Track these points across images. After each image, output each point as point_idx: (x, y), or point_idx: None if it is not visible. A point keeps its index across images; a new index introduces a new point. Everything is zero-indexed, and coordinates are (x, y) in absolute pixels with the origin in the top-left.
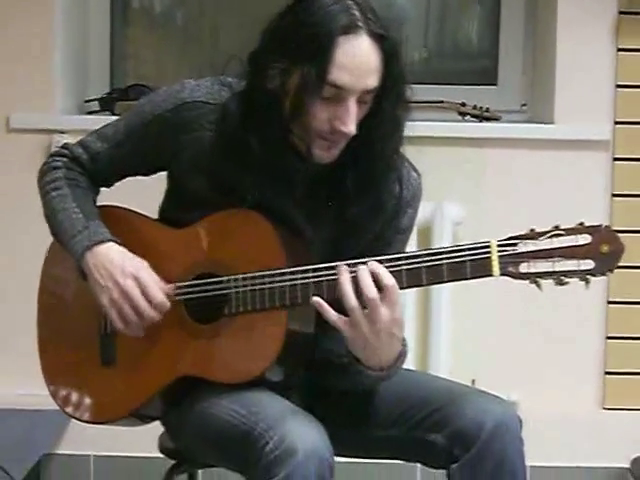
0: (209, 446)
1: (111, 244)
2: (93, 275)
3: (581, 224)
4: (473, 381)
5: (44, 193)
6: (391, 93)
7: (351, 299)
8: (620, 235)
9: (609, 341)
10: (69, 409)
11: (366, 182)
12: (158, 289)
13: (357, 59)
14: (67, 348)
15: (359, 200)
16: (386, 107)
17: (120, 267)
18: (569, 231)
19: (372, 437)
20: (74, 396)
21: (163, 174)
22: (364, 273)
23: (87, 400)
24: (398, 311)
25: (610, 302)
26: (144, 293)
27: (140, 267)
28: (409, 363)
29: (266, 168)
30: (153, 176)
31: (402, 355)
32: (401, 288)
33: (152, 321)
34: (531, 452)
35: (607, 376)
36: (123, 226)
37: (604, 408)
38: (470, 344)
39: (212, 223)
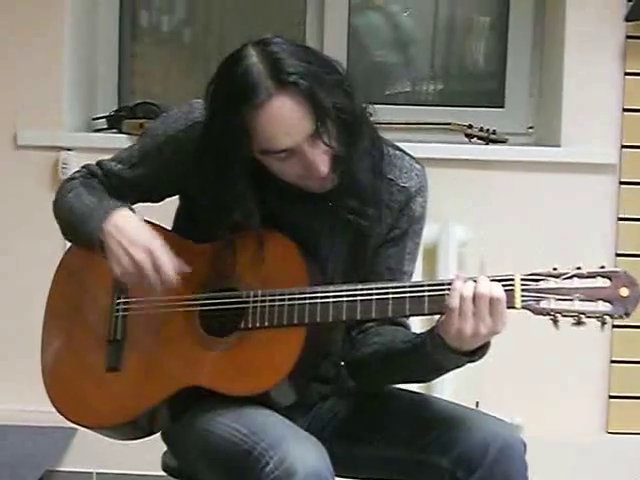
0: (210, 464)
1: (125, 211)
2: (108, 244)
3: (602, 267)
4: (477, 403)
5: (61, 199)
6: (331, 118)
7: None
8: (625, 259)
9: (613, 365)
10: (68, 413)
11: (356, 190)
12: (169, 261)
13: (282, 121)
14: (71, 353)
15: (359, 207)
16: (335, 130)
17: (131, 236)
18: (590, 274)
19: (375, 458)
20: (74, 400)
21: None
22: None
23: (87, 404)
24: (500, 325)
25: (615, 326)
26: (155, 265)
27: (152, 238)
28: (413, 385)
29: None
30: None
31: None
32: (423, 314)
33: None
34: (535, 476)
35: (611, 400)
36: None
37: (608, 432)
38: (474, 367)
39: (236, 240)
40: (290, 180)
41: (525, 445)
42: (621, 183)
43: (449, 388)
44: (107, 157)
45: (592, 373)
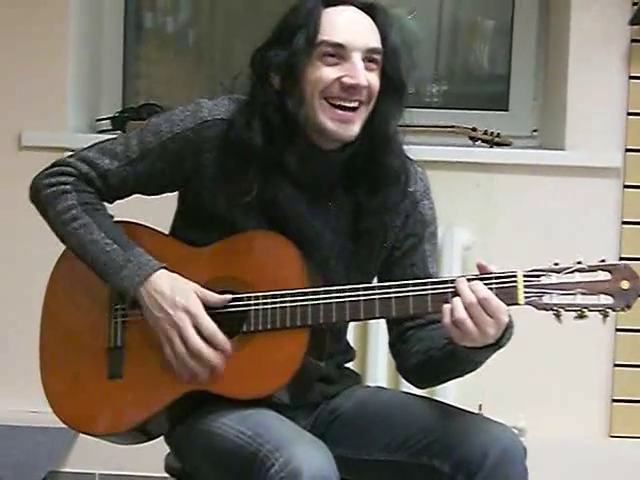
0: (214, 466)
1: (160, 273)
2: (147, 307)
3: (602, 261)
4: (480, 406)
5: (61, 223)
6: (390, 62)
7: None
8: (629, 262)
9: (617, 369)
10: (73, 422)
11: (375, 172)
12: (210, 320)
13: (347, 19)
14: (70, 361)
15: (370, 196)
16: (390, 77)
17: (171, 299)
18: (591, 267)
19: (377, 461)
20: (78, 409)
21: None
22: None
23: (92, 413)
24: (503, 317)
25: (618, 329)
26: (196, 325)
27: (189, 299)
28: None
29: (296, 179)
30: (158, 196)
31: (509, 327)
32: (427, 313)
33: (206, 357)
34: (538, 479)
35: (614, 404)
36: (141, 243)
37: (611, 436)
38: (477, 370)
39: (234, 243)
40: (319, 111)
41: (525, 450)
42: (625, 187)
43: (453, 391)
44: (85, 151)
45: (595, 377)
